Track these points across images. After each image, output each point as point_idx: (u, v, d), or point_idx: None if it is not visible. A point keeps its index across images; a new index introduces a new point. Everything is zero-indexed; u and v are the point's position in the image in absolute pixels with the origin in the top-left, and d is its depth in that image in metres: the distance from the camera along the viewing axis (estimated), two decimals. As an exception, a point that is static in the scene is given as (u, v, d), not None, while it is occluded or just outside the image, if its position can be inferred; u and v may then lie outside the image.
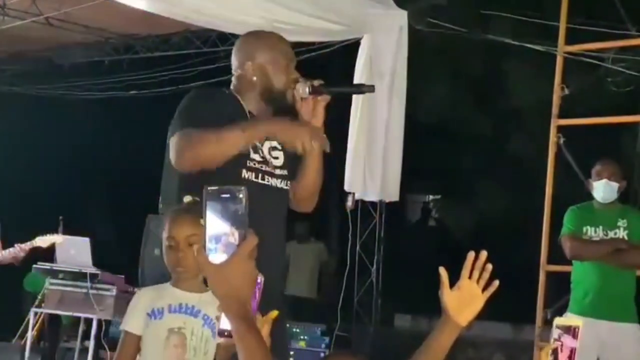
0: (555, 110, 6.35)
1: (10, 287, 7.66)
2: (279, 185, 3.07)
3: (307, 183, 3.10)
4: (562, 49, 6.48)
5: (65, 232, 7.11)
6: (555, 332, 2.33)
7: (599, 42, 7.16)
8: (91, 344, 6.74)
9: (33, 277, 7.23)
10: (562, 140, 6.27)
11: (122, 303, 6.61)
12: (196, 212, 1.73)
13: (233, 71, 3.17)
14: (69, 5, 7.58)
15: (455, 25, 8.29)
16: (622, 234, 5.11)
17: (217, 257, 1.61)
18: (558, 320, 2.38)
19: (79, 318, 7.23)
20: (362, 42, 7.02)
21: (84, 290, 6.78)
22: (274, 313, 1.97)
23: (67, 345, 7.81)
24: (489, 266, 2.14)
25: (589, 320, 4.80)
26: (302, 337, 7.20)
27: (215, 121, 2.90)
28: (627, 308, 5.10)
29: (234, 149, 2.85)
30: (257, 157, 3.01)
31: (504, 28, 8.93)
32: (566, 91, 6.32)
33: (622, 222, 5.13)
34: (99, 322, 6.71)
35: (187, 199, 2.86)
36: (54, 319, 7.43)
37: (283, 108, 3.09)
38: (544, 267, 6.20)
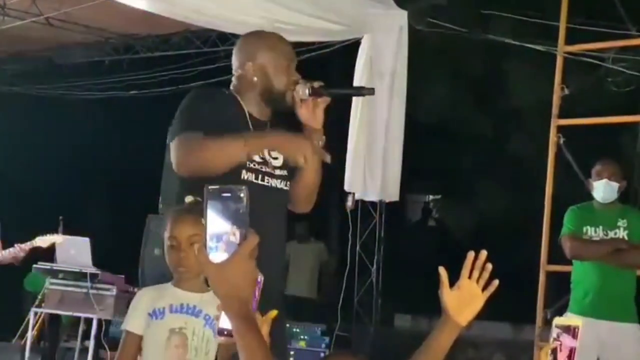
0: (555, 110, 6.34)
1: (10, 287, 7.65)
2: (278, 185, 3.07)
3: (306, 183, 3.10)
4: (562, 49, 6.47)
5: (65, 232, 7.11)
6: (555, 332, 2.33)
7: (599, 42, 7.16)
8: (91, 343, 6.75)
9: (33, 277, 7.23)
10: (562, 140, 6.27)
11: (122, 303, 6.62)
12: (198, 212, 1.73)
13: (233, 71, 3.17)
14: (69, 5, 7.58)
15: (456, 25, 8.30)
16: (622, 234, 5.11)
17: (218, 255, 1.62)
18: (557, 320, 2.38)
19: (78, 318, 7.23)
20: (362, 42, 7.02)
21: (84, 290, 6.78)
22: (273, 313, 1.97)
23: (67, 345, 7.80)
24: (489, 266, 2.14)
25: (589, 320, 4.80)
26: (302, 337, 7.20)
27: (216, 123, 2.91)
28: (627, 308, 5.10)
29: (235, 160, 2.86)
30: (257, 158, 3.01)
31: (504, 28, 8.94)
32: (566, 91, 6.31)
33: (622, 222, 5.13)
34: (99, 321, 6.71)
35: (189, 199, 2.87)
36: (54, 319, 7.43)
37: (282, 109, 3.09)
38: (544, 267, 6.20)
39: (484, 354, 10.45)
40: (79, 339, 7.45)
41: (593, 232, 5.14)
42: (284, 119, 3.16)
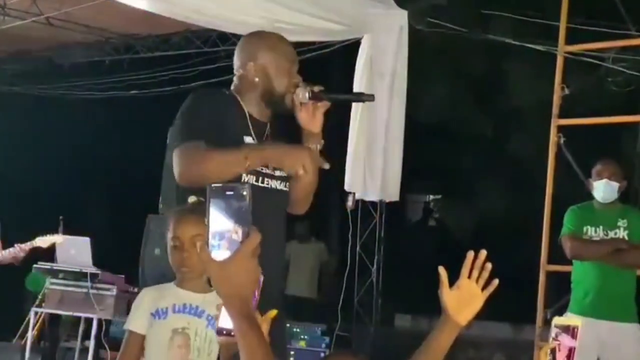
0: (555, 110, 6.34)
1: (10, 287, 7.65)
2: (278, 187, 3.07)
3: (303, 186, 3.10)
4: (563, 48, 6.47)
5: (65, 232, 7.11)
6: (554, 332, 2.33)
7: (599, 42, 7.16)
8: (91, 343, 6.75)
9: (34, 277, 7.23)
10: (562, 140, 6.26)
11: (123, 303, 6.63)
12: (201, 212, 1.73)
13: (235, 71, 3.17)
14: (70, 5, 7.58)
15: (456, 25, 8.30)
16: (622, 233, 5.11)
17: (220, 253, 1.62)
18: (557, 320, 2.38)
19: (78, 317, 7.23)
20: (363, 42, 7.02)
21: (85, 290, 6.79)
22: (273, 312, 1.97)
23: (68, 345, 7.80)
24: (489, 265, 2.14)
25: (589, 320, 4.81)
26: (302, 337, 7.19)
27: (217, 125, 2.92)
28: (627, 308, 5.10)
29: (235, 173, 2.87)
30: None
31: (504, 28, 8.94)
32: (566, 91, 6.31)
33: (622, 222, 5.13)
34: (99, 321, 6.72)
35: (192, 199, 2.87)
36: (54, 319, 7.44)
37: (282, 112, 3.09)
38: (544, 267, 6.20)
39: (484, 354, 10.45)
40: (79, 339, 7.45)
41: (593, 232, 5.14)
42: (284, 120, 3.16)
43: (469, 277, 2.14)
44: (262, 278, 1.72)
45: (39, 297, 6.98)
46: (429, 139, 11.72)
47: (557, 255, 5.63)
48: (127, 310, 3.23)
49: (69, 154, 11.47)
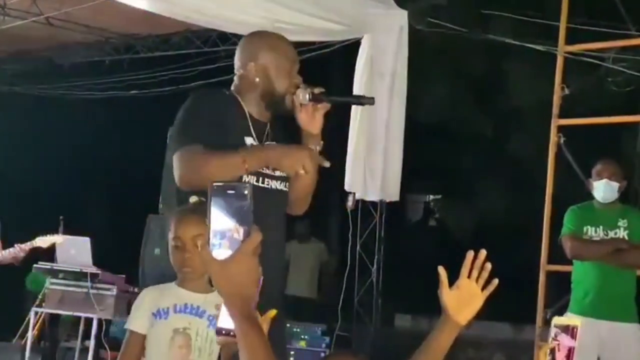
0: (555, 110, 6.34)
1: (10, 287, 7.66)
2: (278, 187, 3.07)
3: (302, 187, 3.10)
4: (563, 48, 6.47)
5: (65, 232, 7.11)
6: (553, 332, 2.33)
7: (599, 42, 7.16)
8: (91, 343, 6.75)
9: (35, 276, 7.23)
10: (562, 140, 6.27)
11: (123, 303, 6.63)
12: (202, 213, 1.73)
13: (235, 71, 3.17)
14: (70, 5, 7.58)
15: (456, 25, 8.30)
16: (622, 233, 5.12)
17: (221, 252, 1.61)
18: (556, 320, 2.38)
19: (79, 317, 7.23)
20: (363, 42, 7.02)
21: (85, 290, 6.78)
22: (272, 312, 1.97)
23: (68, 345, 7.80)
24: (488, 265, 2.14)
25: (589, 320, 4.81)
26: (302, 337, 7.19)
27: (217, 126, 2.93)
28: (627, 308, 5.10)
29: (235, 176, 2.87)
30: None
31: (504, 28, 8.94)
32: (566, 91, 6.31)
33: (622, 222, 5.13)
34: (99, 321, 6.71)
35: (193, 199, 2.87)
36: (54, 319, 7.44)
37: (282, 113, 3.09)
38: (544, 267, 6.20)
39: (484, 354, 10.45)
40: (79, 338, 7.45)
41: (593, 232, 5.14)
42: (284, 120, 3.16)
43: (469, 276, 2.14)
44: (261, 278, 1.72)
45: (39, 297, 6.98)
46: (429, 139, 11.72)
47: (557, 255, 5.63)
48: (127, 310, 3.23)
49: (69, 154, 11.46)
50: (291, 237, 8.66)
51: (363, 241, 7.53)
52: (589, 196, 5.26)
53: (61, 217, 7.17)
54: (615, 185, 5.12)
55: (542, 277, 6.19)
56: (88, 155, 11.78)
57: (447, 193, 15.65)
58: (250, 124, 3.06)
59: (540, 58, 8.19)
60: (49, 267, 7.11)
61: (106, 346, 6.72)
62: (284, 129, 3.18)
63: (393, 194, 7.16)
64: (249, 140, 3.03)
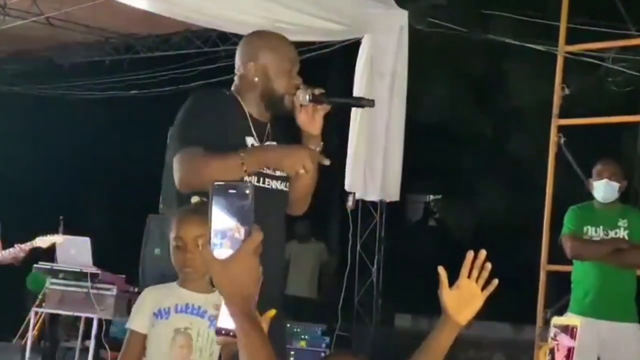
0: (555, 110, 6.34)
1: (10, 287, 7.66)
2: (279, 187, 3.07)
3: (302, 187, 3.10)
4: (563, 48, 6.47)
5: (65, 232, 7.11)
6: (552, 332, 2.33)
7: (599, 42, 7.16)
8: (92, 343, 6.75)
9: (36, 276, 7.23)
10: (562, 140, 6.27)
11: (123, 303, 6.63)
12: (204, 213, 1.73)
13: (235, 71, 3.17)
14: (70, 5, 7.58)
15: (456, 25, 8.30)
16: (622, 233, 5.11)
17: (222, 252, 1.61)
18: (556, 320, 2.38)
19: (79, 317, 7.23)
20: (363, 42, 7.02)
21: (85, 290, 6.78)
22: (272, 312, 1.97)
23: (68, 345, 7.80)
24: (488, 265, 2.14)
25: (589, 320, 4.80)
26: (302, 337, 7.19)
27: (218, 127, 2.93)
28: (627, 308, 5.09)
29: (235, 177, 2.86)
30: None
31: (504, 28, 8.94)
32: (567, 91, 6.31)
33: (622, 222, 5.13)
34: (100, 321, 6.71)
35: (195, 199, 2.87)
36: (54, 319, 7.44)
37: (281, 114, 3.09)
38: (544, 267, 6.20)
39: (484, 354, 10.46)
40: (79, 338, 7.45)
41: (593, 232, 5.14)
42: (284, 120, 3.15)
43: (469, 276, 2.13)
44: (261, 278, 1.72)
45: (39, 297, 6.98)
46: (429, 139, 11.73)
47: (557, 255, 5.63)
48: (128, 310, 3.23)
49: (69, 154, 11.47)
50: (291, 237, 8.66)
51: (363, 241, 7.54)
52: (589, 196, 5.26)
53: (61, 217, 7.17)
54: (616, 185, 5.12)
55: (542, 277, 6.19)
56: (88, 155, 11.79)
57: (447, 193, 15.65)
58: (250, 123, 3.06)
59: (540, 58, 8.20)
60: (49, 267, 7.11)
61: (106, 346, 6.72)
62: (285, 128, 3.18)
63: (393, 194, 7.16)
64: (249, 140, 3.02)
